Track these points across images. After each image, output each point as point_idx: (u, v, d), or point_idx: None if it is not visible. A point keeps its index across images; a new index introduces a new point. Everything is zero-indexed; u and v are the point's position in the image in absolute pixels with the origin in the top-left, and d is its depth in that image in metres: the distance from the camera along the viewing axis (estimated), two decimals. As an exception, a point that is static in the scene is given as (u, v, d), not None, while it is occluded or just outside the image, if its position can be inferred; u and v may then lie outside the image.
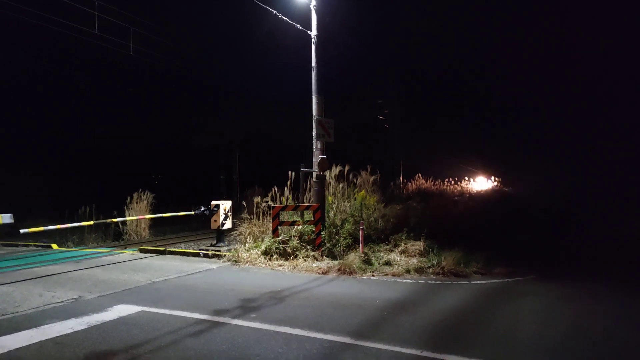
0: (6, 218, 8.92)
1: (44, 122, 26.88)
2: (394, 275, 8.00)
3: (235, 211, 12.69)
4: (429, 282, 7.57)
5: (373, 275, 8.03)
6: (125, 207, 14.71)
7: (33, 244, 13.00)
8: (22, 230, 9.47)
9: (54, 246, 12.68)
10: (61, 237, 13.50)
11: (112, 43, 11.79)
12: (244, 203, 12.74)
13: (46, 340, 4.70)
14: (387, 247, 9.88)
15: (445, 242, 9.33)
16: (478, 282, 7.57)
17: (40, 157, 26.90)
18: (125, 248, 12.32)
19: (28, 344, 4.58)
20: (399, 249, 9.60)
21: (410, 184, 25.19)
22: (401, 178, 28.22)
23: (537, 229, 12.67)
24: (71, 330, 4.99)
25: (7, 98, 25.14)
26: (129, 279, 7.92)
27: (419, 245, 9.50)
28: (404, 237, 9.99)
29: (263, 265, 8.97)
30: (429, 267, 8.22)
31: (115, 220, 12.81)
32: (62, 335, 4.85)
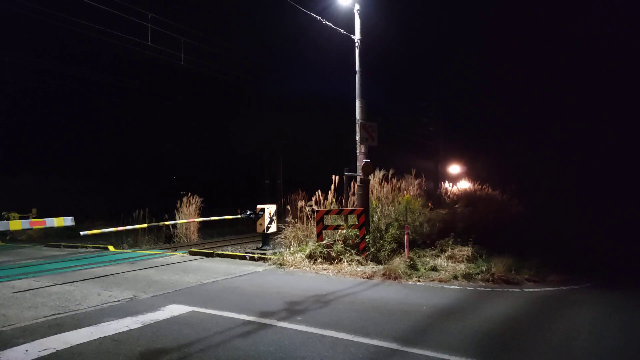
0: (68, 221, 9.51)
1: (100, 130, 28.45)
2: (440, 281, 7.84)
3: (280, 215, 12.89)
4: (478, 289, 7.35)
5: (419, 281, 7.90)
6: (175, 211, 15.28)
7: (91, 245, 13.75)
8: (82, 233, 10.05)
9: (111, 248, 13.35)
10: (117, 239, 14.21)
11: (164, 53, 12.33)
12: (288, 207, 12.92)
13: (104, 337, 4.95)
14: (433, 252, 9.70)
15: (495, 247, 9.04)
16: (530, 290, 7.28)
17: (97, 163, 28.48)
18: (176, 250, 12.79)
19: (88, 340, 4.85)
20: (446, 254, 9.40)
21: (456, 187, 24.59)
22: (446, 182, 27.59)
23: (592, 233, 12.00)
24: (127, 329, 5.23)
25: (67, 107, 26.83)
26: (180, 279, 8.21)
27: (466, 250, 9.26)
28: (450, 242, 9.77)
29: (307, 269, 9.04)
30: (478, 274, 7.98)
31: (167, 223, 13.34)
32: (119, 332, 5.10)
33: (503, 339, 4.93)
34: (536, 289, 7.30)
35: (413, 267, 8.51)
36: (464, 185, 24.81)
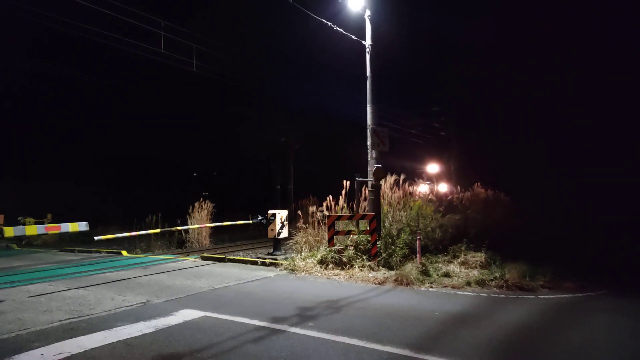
0: (82, 226, 9.64)
1: (113, 135, 28.84)
2: (453, 287, 7.76)
3: (291, 220, 12.88)
4: (492, 295, 7.26)
5: (431, 287, 7.83)
6: (187, 216, 15.37)
7: (105, 250, 13.89)
8: (95, 238, 10.15)
9: (124, 253, 13.47)
10: (130, 244, 14.33)
11: (176, 60, 12.47)
12: (299, 212, 12.90)
13: (118, 341, 4.99)
14: (446, 258, 9.62)
15: (508, 253, 8.94)
16: (545, 296, 7.17)
17: (111, 168, 28.85)
18: (188, 255, 12.86)
19: (102, 345, 4.89)
20: (459, 260, 9.31)
21: (468, 192, 24.34)
22: (458, 187, 27.39)
23: (608, 239, 11.79)
24: (140, 333, 5.26)
25: (81, 113, 27.28)
26: (192, 285, 8.25)
27: (479, 256, 9.17)
28: (463, 248, 9.68)
29: (319, 275, 9.02)
30: (492, 280, 7.89)
31: (179, 228, 13.43)
32: (132, 337, 5.13)
33: (517, 346, 4.86)
34: (551, 296, 7.20)
35: (425, 273, 8.44)
36: (476, 190, 24.55)
